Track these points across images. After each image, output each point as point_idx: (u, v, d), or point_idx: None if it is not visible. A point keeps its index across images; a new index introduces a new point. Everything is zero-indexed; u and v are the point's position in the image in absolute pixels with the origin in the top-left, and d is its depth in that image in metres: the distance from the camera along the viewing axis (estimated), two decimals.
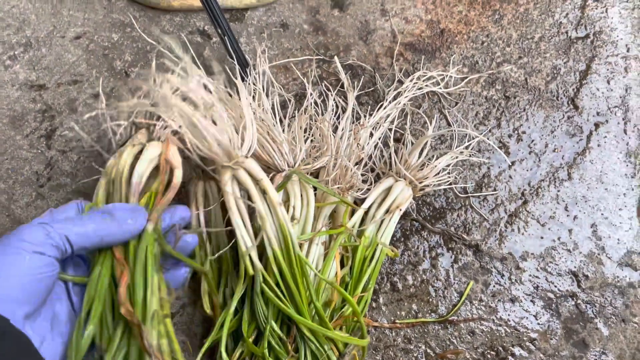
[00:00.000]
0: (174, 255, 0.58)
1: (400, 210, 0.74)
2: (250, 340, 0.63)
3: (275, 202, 0.63)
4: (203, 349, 0.64)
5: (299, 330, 0.63)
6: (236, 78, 0.71)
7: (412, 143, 0.78)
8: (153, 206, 0.59)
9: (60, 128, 0.81)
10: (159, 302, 0.55)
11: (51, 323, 0.51)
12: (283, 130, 0.74)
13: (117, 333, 0.53)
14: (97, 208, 0.56)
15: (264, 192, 0.64)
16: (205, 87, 0.63)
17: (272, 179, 0.67)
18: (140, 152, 0.62)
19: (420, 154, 0.77)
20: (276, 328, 0.62)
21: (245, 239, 0.63)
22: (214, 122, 0.61)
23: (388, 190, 0.75)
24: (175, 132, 0.64)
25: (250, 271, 0.62)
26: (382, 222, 0.74)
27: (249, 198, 0.63)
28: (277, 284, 0.62)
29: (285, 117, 0.78)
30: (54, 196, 0.78)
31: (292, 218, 0.66)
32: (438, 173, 0.76)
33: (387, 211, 0.74)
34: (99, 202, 0.59)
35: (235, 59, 0.77)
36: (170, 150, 0.62)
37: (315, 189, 0.73)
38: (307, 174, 0.70)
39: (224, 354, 0.62)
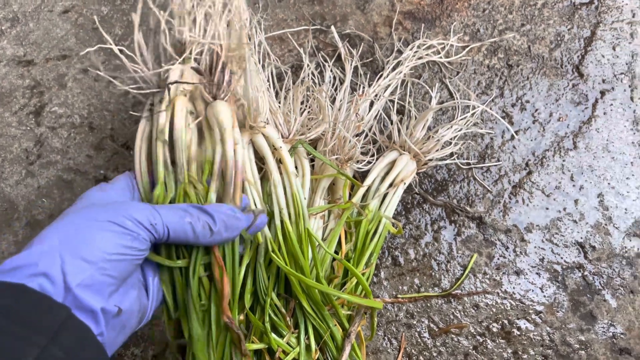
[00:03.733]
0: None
1: (405, 184, 0.72)
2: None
3: (290, 172, 0.61)
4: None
5: (300, 305, 0.61)
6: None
7: (415, 116, 0.76)
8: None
9: (50, 104, 0.79)
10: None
11: (128, 301, 0.48)
12: (279, 102, 0.72)
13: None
14: (202, 205, 0.51)
15: (279, 162, 0.62)
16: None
17: None
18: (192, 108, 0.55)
19: (424, 126, 0.75)
20: (276, 300, 0.60)
21: (257, 206, 0.61)
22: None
23: (392, 163, 0.73)
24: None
25: (260, 239, 0.60)
26: (385, 196, 0.72)
27: (263, 164, 0.61)
28: (281, 253, 0.61)
29: (281, 89, 0.76)
30: (44, 174, 0.76)
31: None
32: (443, 146, 0.74)
33: (391, 185, 0.71)
34: (161, 183, 0.53)
35: None
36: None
37: (312, 161, 0.71)
38: None
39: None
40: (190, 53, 0.56)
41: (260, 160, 0.65)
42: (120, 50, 0.53)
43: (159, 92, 0.56)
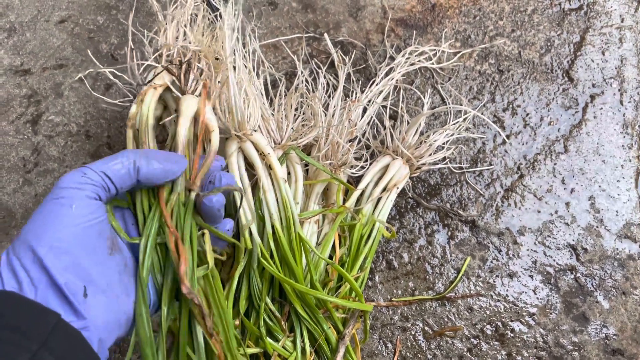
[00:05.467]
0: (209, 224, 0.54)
1: (398, 188, 0.73)
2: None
3: (280, 178, 0.62)
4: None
5: (294, 309, 0.61)
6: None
7: (408, 121, 0.77)
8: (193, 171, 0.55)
9: (47, 113, 0.80)
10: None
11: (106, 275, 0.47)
12: (274, 109, 0.73)
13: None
14: (136, 150, 0.52)
15: (269, 167, 0.63)
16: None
17: None
18: (160, 97, 0.59)
19: (416, 131, 0.76)
20: (270, 304, 0.61)
21: (246, 212, 0.62)
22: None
23: (385, 168, 0.74)
24: (204, 84, 0.59)
25: (249, 245, 0.61)
26: (378, 200, 0.73)
27: (253, 171, 0.62)
28: (273, 259, 0.61)
29: (275, 96, 0.77)
30: (42, 182, 0.77)
31: None
32: (435, 151, 0.75)
33: (384, 189, 0.72)
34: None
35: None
36: (207, 109, 0.57)
37: (306, 166, 0.72)
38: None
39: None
40: (168, 57, 0.60)
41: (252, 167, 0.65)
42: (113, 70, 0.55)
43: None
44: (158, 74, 0.59)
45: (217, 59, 0.61)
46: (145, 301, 0.48)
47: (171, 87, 0.59)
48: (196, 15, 0.66)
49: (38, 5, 0.86)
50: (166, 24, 0.62)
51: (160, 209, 0.51)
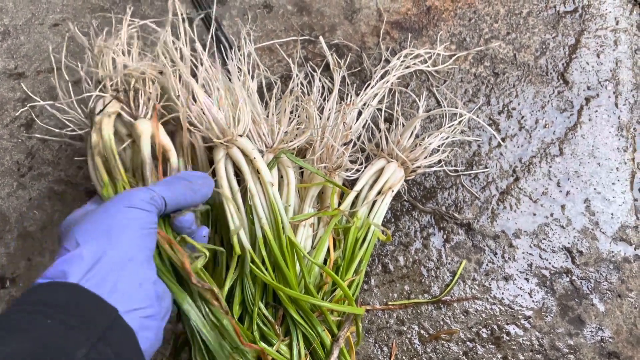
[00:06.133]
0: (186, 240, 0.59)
1: (393, 191, 0.73)
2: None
3: (267, 182, 0.62)
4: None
5: (289, 313, 0.61)
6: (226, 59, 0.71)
7: (403, 124, 0.76)
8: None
9: (41, 116, 0.80)
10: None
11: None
12: (268, 112, 0.73)
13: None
14: (176, 174, 0.60)
15: (257, 172, 0.63)
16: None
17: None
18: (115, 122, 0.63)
19: (411, 134, 0.75)
20: (263, 309, 0.61)
21: (234, 218, 0.62)
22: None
23: (380, 171, 0.74)
24: (154, 107, 0.64)
25: (238, 251, 0.61)
26: (374, 203, 0.72)
27: (242, 176, 0.63)
28: (265, 264, 0.61)
29: (270, 99, 0.76)
30: (36, 185, 0.76)
31: None
32: (430, 154, 0.75)
33: (379, 193, 0.72)
34: (106, 184, 0.60)
35: (215, 40, 0.75)
36: (160, 132, 0.62)
37: (301, 169, 0.71)
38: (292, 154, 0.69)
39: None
40: (112, 85, 0.66)
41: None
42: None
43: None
44: (108, 103, 0.63)
45: (160, 73, 0.65)
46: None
47: (122, 113, 0.63)
48: (132, 39, 0.71)
49: (32, 8, 0.86)
50: (102, 55, 0.67)
51: None
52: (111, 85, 0.65)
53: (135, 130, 0.62)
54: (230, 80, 0.69)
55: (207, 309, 0.57)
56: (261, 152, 0.66)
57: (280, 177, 0.67)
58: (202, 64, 0.67)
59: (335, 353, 0.61)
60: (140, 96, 0.63)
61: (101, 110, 0.63)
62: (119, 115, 0.63)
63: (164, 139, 0.63)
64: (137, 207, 0.51)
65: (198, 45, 0.67)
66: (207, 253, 0.57)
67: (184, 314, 0.56)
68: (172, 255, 0.55)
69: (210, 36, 0.75)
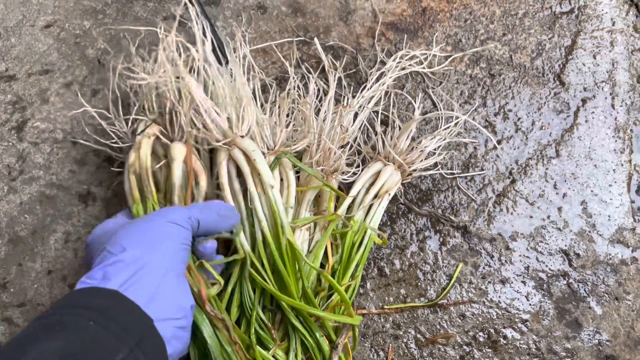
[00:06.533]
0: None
1: (389, 195, 0.72)
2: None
3: (267, 184, 0.62)
4: None
5: (287, 318, 0.61)
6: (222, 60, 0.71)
7: (399, 126, 0.76)
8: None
9: (32, 119, 0.78)
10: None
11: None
12: (266, 114, 0.72)
13: None
14: (209, 202, 0.63)
15: (258, 174, 0.62)
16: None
17: None
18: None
19: (408, 137, 0.75)
20: (260, 313, 0.60)
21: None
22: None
23: (376, 175, 0.73)
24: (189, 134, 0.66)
25: (242, 254, 0.60)
26: (370, 207, 0.72)
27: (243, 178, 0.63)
28: (264, 267, 0.61)
29: (266, 102, 0.76)
30: (27, 189, 0.75)
31: None
32: (426, 156, 0.74)
33: (375, 196, 0.71)
34: (137, 202, 0.63)
35: (215, 41, 0.74)
36: (193, 156, 0.65)
37: (297, 173, 0.71)
38: None
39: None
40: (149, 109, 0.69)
41: None
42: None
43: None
44: (148, 126, 0.67)
45: (177, 78, 0.67)
46: None
47: (160, 135, 0.66)
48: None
49: (23, 10, 0.84)
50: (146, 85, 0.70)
51: None
52: (149, 108, 0.68)
53: (170, 154, 0.65)
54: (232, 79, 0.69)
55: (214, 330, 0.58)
56: (263, 153, 0.66)
57: (281, 179, 0.67)
58: (204, 65, 0.67)
59: (335, 358, 0.60)
60: (174, 119, 0.66)
61: (142, 131, 0.66)
62: (157, 137, 0.67)
63: (196, 164, 0.65)
64: (177, 223, 0.54)
65: (199, 47, 0.67)
66: (222, 282, 0.59)
67: (197, 329, 0.56)
68: (189, 280, 0.56)
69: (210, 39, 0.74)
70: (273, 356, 0.60)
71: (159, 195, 0.65)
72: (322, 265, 0.67)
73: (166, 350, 0.47)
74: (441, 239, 0.75)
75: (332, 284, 0.61)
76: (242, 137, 0.64)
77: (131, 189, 0.64)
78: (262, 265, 0.61)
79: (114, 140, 0.70)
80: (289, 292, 0.60)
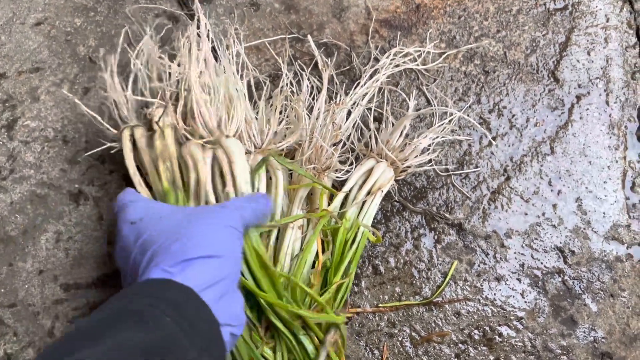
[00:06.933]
0: None
1: (382, 191, 0.71)
2: None
3: (239, 190, 0.61)
4: None
5: (266, 315, 0.60)
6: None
7: (393, 123, 0.75)
8: None
9: (22, 118, 0.78)
10: None
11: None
12: (257, 112, 0.71)
13: None
14: (250, 196, 0.62)
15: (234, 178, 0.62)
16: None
17: None
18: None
19: (401, 133, 0.74)
20: (248, 311, 0.59)
21: None
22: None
23: (369, 172, 0.72)
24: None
25: None
26: (363, 204, 0.71)
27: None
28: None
29: (260, 99, 0.75)
30: (17, 189, 0.74)
31: None
32: (420, 153, 0.74)
33: (368, 193, 0.71)
34: (166, 190, 0.63)
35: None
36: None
37: (290, 170, 0.70)
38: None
39: None
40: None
41: None
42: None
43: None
44: (165, 111, 0.66)
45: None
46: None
47: (177, 126, 0.66)
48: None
49: (13, 7, 0.84)
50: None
51: None
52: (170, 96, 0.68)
53: (189, 152, 0.64)
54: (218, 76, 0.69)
55: None
56: (250, 152, 0.65)
57: (269, 178, 0.66)
58: (201, 62, 0.67)
59: (323, 355, 0.60)
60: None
61: (160, 118, 0.65)
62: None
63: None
64: (235, 229, 0.54)
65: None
66: None
67: None
68: None
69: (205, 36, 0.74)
70: (261, 354, 0.59)
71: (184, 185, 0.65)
72: (314, 263, 0.66)
73: (226, 356, 0.47)
74: (436, 237, 0.74)
75: (311, 295, 0.61)
76: (227, 137, 0.63)
77: (160, 178, 0.64)
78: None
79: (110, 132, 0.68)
80: (265, 291, 0.60)
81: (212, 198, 0.62)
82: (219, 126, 0.64)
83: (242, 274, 0.59)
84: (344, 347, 0.64)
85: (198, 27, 0.72)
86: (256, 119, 0.70)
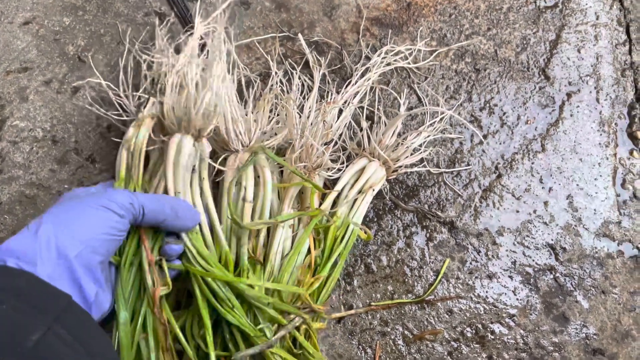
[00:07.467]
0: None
1: (374, 190, 0.71)
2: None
3: (206, 192, 0.63)
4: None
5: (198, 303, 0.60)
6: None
7: (385, 122, 0.75)
8: None
9: (11, 118, 0.77)
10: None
11: (106, 279, 0.54)
12: (247, 111, 0.71)
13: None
14: (160, 195, 0.60)
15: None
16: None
17: (225, 159, 0.66)
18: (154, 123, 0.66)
19: (394, 133, 0.74)
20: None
21: None
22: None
23: (361, 170, 0.72)
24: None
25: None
26: (354, 202, 0.71)
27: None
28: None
29: (250, 98, 0.75)
30: (6, 190, 0.74)
31: (244, 199, 0.63)
32: (412, 152, 0.74)
33: (360, 191, 0.71)
34: (122, 179, 0.62)
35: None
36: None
37: (281, 169, 0.70)
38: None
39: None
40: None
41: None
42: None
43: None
44: (152, 104, 0.66)
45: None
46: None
47: (161, 119, 0.65)
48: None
49: (1, 6, 0.83)
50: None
51: (139, 233, 0.58)
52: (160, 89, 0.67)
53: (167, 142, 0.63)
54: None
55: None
56: (237, 150, 0.65)
57: (257, 176, 0.66)
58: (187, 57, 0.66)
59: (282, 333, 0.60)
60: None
61: (143, 106, 0.65)
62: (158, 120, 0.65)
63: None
64: (111, 210, 0.52)
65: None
66: (170, 286, 0.58)
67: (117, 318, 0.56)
68: (146, 276, 0.56)
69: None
70: None
71: (144, 177, 0.63)
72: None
73: (92, 318, 0.47)
74: (428, 235, 0.74)
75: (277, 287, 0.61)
76: (203, 137, 0.63)
77: (120, 165, 0.62)
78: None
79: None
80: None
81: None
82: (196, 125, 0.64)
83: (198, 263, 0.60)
84: (315, 332, 0.63)
85: (189, 24, 0.72)
86: (245, 117, 0.69)
